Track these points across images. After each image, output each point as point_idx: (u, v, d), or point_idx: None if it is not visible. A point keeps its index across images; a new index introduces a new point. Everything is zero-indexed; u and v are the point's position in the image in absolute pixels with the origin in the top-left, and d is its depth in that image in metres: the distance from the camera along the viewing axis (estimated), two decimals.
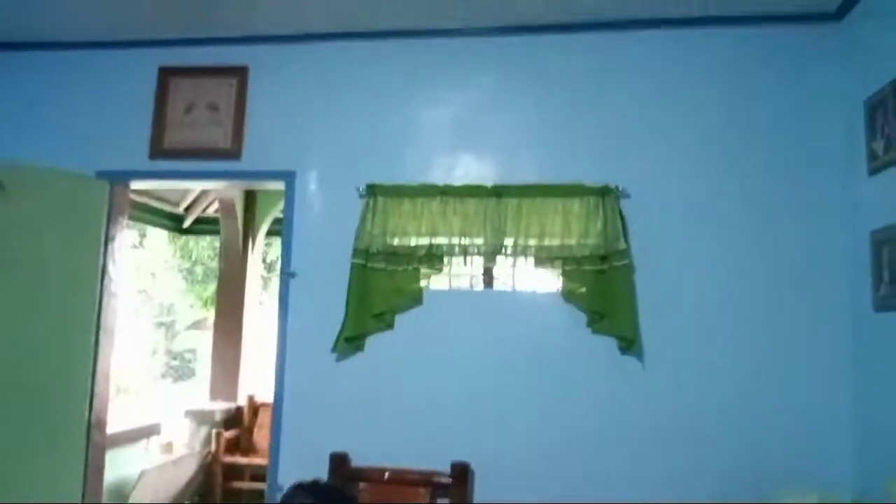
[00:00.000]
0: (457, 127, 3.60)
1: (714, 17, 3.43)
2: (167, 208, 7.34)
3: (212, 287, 12.67)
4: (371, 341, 3.47)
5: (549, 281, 3.49)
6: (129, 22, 3.69)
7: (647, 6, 3.38)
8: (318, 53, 3.73)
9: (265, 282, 11.99)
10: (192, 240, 11.29)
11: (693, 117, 3.42)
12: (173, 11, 3.56)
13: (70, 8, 3.54)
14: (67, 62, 3.94)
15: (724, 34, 3.46)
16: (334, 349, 3.43)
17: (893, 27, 2.87)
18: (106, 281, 3.73)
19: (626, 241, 3.29)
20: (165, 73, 3.80)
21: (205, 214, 7.72)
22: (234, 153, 3.68)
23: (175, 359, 14.88)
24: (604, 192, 3.34)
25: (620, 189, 3.35)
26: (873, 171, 2.99)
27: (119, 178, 3.80)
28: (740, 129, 3.38)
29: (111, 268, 3.77)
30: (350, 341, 3.42)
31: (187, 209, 7.55)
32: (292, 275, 3.56)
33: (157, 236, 11.87)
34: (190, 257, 13.47)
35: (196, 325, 14.60)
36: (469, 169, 3.56)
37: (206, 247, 12.97)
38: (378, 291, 3.44)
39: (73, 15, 3.63)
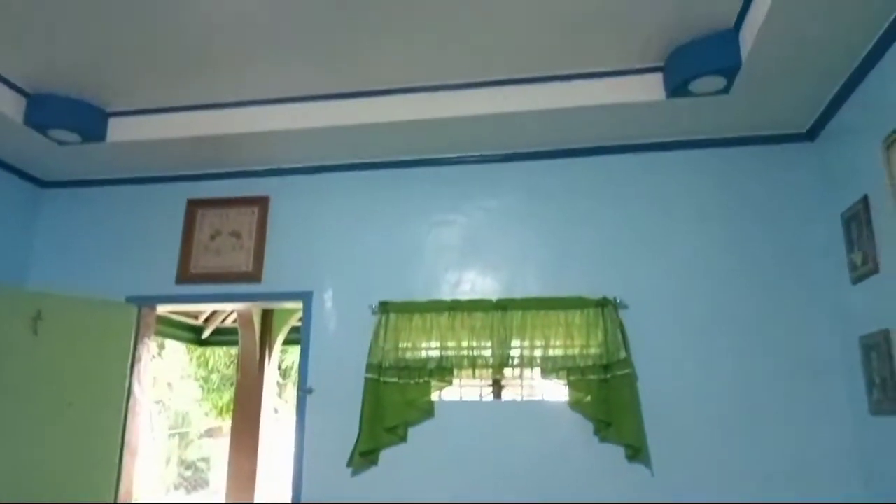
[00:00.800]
0: (462, 246, 3.85)
1: (699, 139, 3.74)
2: (187, 321, 7.58)
3: (227, 395, 12.73)
4: (385, 455, 3.57)
5: (556, 390, 3.62)
6: (160, 160, 4.06)
7: (638, 131, 3.69)
8: (333, 183, 4.06)
9: (280, 388, 12.05)
10: (209, 348, 11.48)
11: (683, 232, 3.65)
12: (201, 149, 3.92)
13: (107, 150, 3.91)
14: (103, 197, 4.31)
15: (709, 155, 3.74)
16: (349, 464, 3.54)
17: (859, 146, 3.12)
18: (131, 401, 3.90)
19: (627, 350, 3.44)
20: (193, 205, 4.14)
21: (223, 325, 7.94)
22: (255, 276, 3.94)
23: (188, 468, 14.69)
24: (603, 304, 3.52)
25: (619, 301, 3.54)
26: (855, 280, 3.17)
27: (147, 303, 4.06)
28: (729, 241, 3.59)
29: (136, 388, 3.95)
30: (365, 455, 3.53)
31: (206, 321, 7.79)
32: (309, 391, 3.72)
33: (176, 346, 12.08)
34: (207, 365, 13.61)
35: (210, 432, 14.52)
36: (475, 284, 3.78)
37: (222, 355, 13.14)
38: (391, 405, 3.57)
39: (109, 155, 4.00)
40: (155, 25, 3.02)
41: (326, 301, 3.88)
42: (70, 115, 3.58)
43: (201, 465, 14.56)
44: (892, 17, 2.62)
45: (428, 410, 3.60)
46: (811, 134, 3.61)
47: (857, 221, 3.11)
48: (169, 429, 14.06)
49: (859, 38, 2.80)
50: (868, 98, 3.00)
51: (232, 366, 12.17)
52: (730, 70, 3.05)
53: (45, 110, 3.55)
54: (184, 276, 4.01)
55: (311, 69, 3.39)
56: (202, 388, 14.09)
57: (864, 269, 3.07)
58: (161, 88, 3.56)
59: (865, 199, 3.04)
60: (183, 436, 14.42)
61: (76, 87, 3.53)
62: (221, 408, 13.26)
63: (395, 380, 3.60)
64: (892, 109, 2.72)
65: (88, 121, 3.65)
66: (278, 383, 10.60)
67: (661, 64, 3.30)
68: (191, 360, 13.70)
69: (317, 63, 3.33)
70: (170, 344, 11.89)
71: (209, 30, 3.07)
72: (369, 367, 3.61)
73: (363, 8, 2.91)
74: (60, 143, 3.78)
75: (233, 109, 3.67)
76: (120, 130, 3.77)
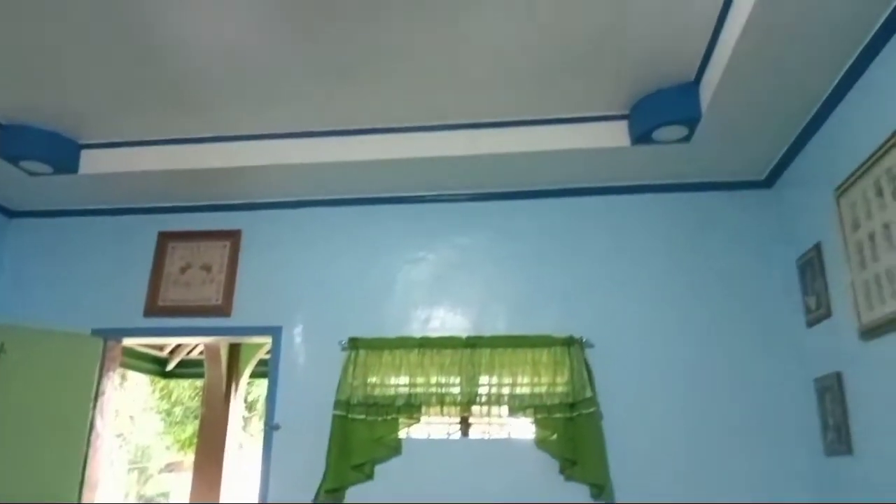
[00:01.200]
0: (433, 283, 3.90)
1: (662, 184, 3.87)
2: (151, 352, 7.45)
3: (190, 428, 12.46)
4: (351, 492, 3.55)
5: (523, 428, 3.65)
6: (132, 192, 4.06)
7: (603, 175, 3.81)
8: (305, 218, 4.10)
9: (246, 422, 11.84)
10: (173, 380, 11.26)
11: (647, 273, 3.76)
12: (174, 183, 3.94)
13: (79, 182, 3.90)
14: (73, 227, 4.28)
15: (671, 199, 3.87)
16: (315, 501, 3.50)
17: (813, 195, 3.26)
18: (93, 435, 3.83)
19: (593, 388, 3.50)
20: (164, 237, 4.13)
21: (188, 357, 7.82)
22: (224, 310, 3.93)
23: None
24: (569, 343, 3.59)
25: (585, 339, 3.61)
26: (810, 324, 3.29)
27: (113, 336, 4.01)
28: (690, 283, 3.70)
29: (98, 422, 3.88)
30: (331, 492, 3.50)
31: (171, 352, 7.67)
32: (276, 427, 3.69)
33: (139, 378, 11.83)
34: (170, 398, 13.32)
35: (170, 467, 14.16)
36: (445, 322, 3.82)
37: (186, 387, 12.88)
38: (358, 442, 3.56)
39: (81, 187, 3.99)
40: (130, 59, 3.05)
41: (296, 336, 3.88)
42: (43, 146, 3.57)
43: (160, 499, 14.15)
44: (843, 72, 2.77)
45: (395, 448, 3.60)
46: (768, 182, 3.76)
47: (812, 267, 3.24)
48: (129, 463, 13.66)
49: (813, 92, 2.95)
50: (821, 149, 3.15)
51: (196, 398, 11.94)
52: (691, 120, 3.19)
53: (17, 141, 3.54)
54: (152, 309, 3.98)
55: (285, 107, 3.44)
56: (164, 421, 13.76)
57: (818, 312, 3.19)
58: (135, 122, 3.58)
59: (818, 245, 3.17)
60: (142, 470, 14.02)
61: (49, 118, 3.53)
62: (184, 441, 12.95)
63: (362, 416, 3.59)
64: (843, 161, 2.85)
65: (61, 152, 3.65)
66: (244, 417, 10.43)
67: (626, 112, 3.44)
68: (153, 391, 13.41)
69: (291, 101, 3.39)
70: (133, 375, 11.63)
71: (184, 66, 3.11)
72: (337, 404, 3.61)
73: (338, 50, 2.99)
74: (31, 174, 3.77)
75: (206, 144, 3.70)
76: (92, 162, 3.77)
